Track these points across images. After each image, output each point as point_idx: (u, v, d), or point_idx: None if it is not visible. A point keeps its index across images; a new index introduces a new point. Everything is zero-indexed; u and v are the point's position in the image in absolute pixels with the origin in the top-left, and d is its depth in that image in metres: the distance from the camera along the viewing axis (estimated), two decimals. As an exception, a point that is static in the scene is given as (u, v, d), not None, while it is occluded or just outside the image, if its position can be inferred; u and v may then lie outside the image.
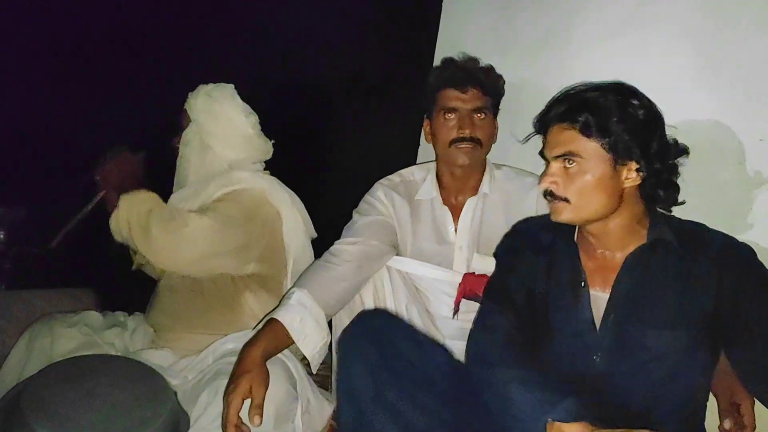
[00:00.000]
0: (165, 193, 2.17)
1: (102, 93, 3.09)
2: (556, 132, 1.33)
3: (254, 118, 1.98)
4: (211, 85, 1.97)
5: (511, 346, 1.33)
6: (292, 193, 1.98)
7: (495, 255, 1.56)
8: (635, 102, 1.30)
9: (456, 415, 1.32)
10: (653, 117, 1.31)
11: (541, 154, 1.42)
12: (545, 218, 1.52)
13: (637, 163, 1.30)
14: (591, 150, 1.29)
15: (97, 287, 2.42)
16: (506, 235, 1.57)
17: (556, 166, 1.33)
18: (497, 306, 1.44)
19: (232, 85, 1.99)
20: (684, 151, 1.36)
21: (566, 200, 1.32)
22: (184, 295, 1.88)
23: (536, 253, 1.46)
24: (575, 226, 1.43)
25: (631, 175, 1.31)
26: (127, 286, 2.22)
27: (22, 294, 2.24)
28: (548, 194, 1.34)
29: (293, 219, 1.94)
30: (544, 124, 1.38)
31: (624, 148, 1.28)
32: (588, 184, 1.30)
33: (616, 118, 1.28)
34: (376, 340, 1.36)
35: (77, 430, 1.34)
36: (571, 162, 1.30)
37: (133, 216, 1.72)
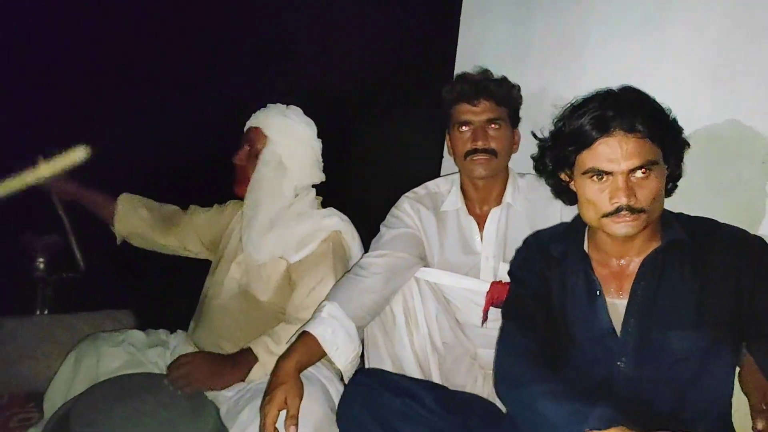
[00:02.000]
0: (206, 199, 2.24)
1: (135, 117, 3.18)
2: (620, 142, 1.25)
3: (320, 144, 2.03)
4: (282, 106, 2.01)
5: (536, 363, 1.32)
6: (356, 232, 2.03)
7: (509, 271, 1.55)
8: (656, 101, 1.32)
9: None
10: None
11: (561, 166, 1.39)
12: (555, 229, 1.54)
13: (672, 160, 1.32)
14: (660, 155, 1.28)
15: (135, 307, 2.50)
16: (518, 250, 1.56)
17: (626, 178, 1.25)
18: (517, 326, 1.43)
19: (299, 109, 2.03)
20: (686, 142, 1.37)
21: (643, 211, 1.27)
22: (236, 318, 1.92)
23: (549, 266, 1.45)
24: (585, 235, 1.44)
25: (666, 173, 1.32)
26: (165, 305, 2.29)
27: (65, 318, 2.33)
28: (623, 209, 1.26)
29: (357, 257, 1.98)
30: (591, 137, 1.27)
31: (674, 148, 1.30)
32: (660, 190, 1.28)
33: (666, 120, 1.29)
34: (366, 404, 1.39)
35: (125, 447, 1.40)
36: (645, 171, 1.25)
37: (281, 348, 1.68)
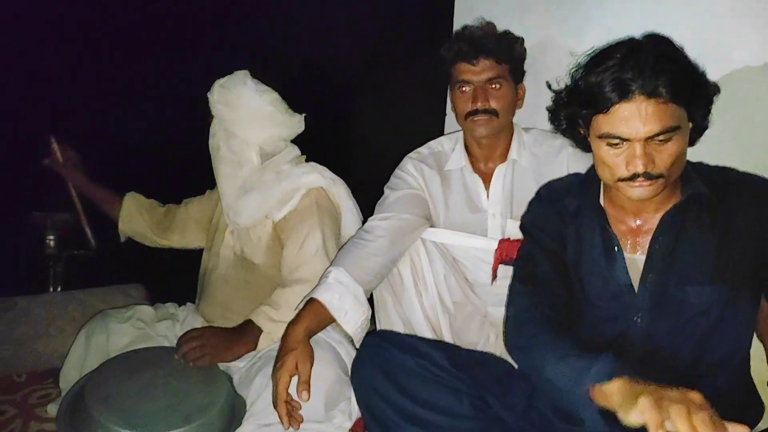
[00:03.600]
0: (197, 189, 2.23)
1: (141, 96, 3.15)
2: (639, 108, 1.16)
3: (270, 96, 1.93)
4: (225, 78, 1.95)
5: (545, 326, 1.26)
6: (344, 184, 2.00)
7: (521, 226, 1.50)
8: (685, 53, 1.22)
9: (472, 404, 1.34)
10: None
11: (572, 127, 1.32)
12: (568, 182, 1.49)
13: (698, 116, 1.23)
14: (683, 117, 1.19)
15: (146, 282, 2.51)
16: (531, 203, 1.51)
17: (644, 145, 1.17)
18: (525, 288, 1.37)
19: (245, 71, 1.95)
20: (716, 89, 1.27)
21: (662, 176, 1.20)
22: (237, 287, 1.93)
23: (563, 221, 1.40)
24: (600, 189, 1.38)
25: (690, 128, 1.24)
26: (175, 278, 2.30)
27: (77, 294, 2.35)
28: (639, 176, 1.19)
29: (350, 212, 1.97)
30: (609, 100, 1.18)
31: (700, 104, 1.22)
32: (682, 153, 1.21)
33: (693, 78, 1.20)
34: (379, 364, 1.39)
35: (141, 420, 1.41)
36: (666, 136, 1.17)
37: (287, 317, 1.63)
